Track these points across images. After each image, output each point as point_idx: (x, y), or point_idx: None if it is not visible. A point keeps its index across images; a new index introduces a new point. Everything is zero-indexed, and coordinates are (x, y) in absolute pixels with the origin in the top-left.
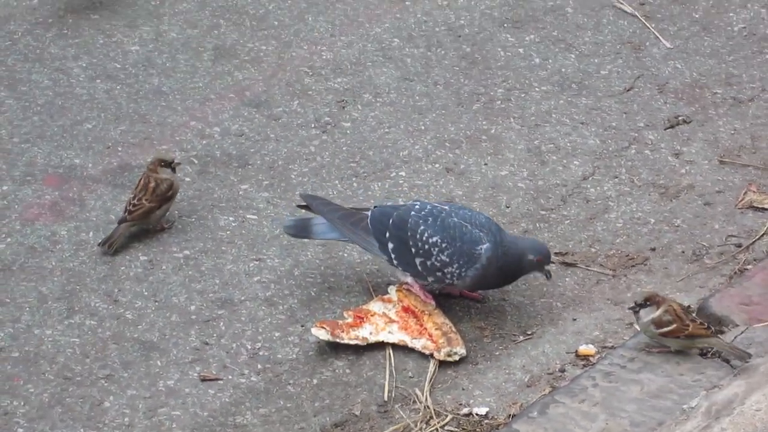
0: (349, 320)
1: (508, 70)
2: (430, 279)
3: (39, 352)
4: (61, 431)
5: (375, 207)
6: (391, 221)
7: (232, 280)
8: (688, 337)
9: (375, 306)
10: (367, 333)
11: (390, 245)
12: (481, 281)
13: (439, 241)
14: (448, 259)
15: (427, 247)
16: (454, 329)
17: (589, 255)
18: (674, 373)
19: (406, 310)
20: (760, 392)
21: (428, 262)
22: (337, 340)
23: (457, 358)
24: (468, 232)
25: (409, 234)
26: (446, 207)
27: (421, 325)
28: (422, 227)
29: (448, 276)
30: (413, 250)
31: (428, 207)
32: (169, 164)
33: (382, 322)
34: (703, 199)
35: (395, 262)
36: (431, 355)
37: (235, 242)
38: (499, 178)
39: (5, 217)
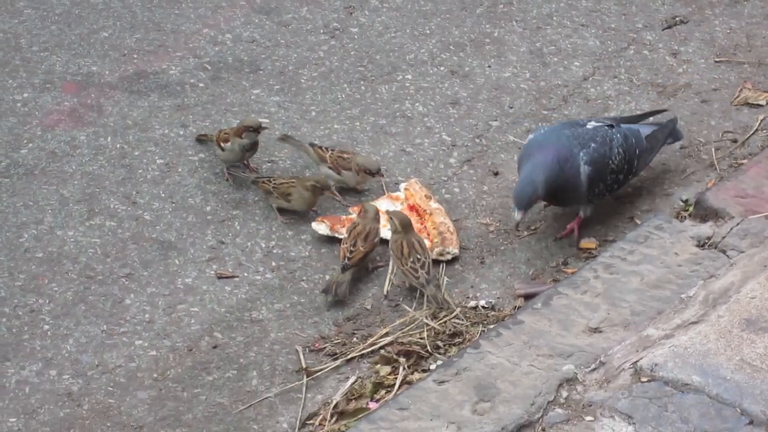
0: (352, 216)
1: None
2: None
3: (62, 252)
4: (84, 327)
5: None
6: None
7: (246, 181)
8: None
9: (382, 203)
10: None
11: None
12: None
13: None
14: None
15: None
16: (452, 229)
17: None
18: (672, 264)
19: (411, 208)
20: (755, 281)
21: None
22: (336, 235)
23: (449, 257)
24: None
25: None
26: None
27: (422, 224)
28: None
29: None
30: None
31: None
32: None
33: (383, 219)
34: (699, 96)
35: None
36: None
37: None
38: (503, 79)
39: (26, 123)
